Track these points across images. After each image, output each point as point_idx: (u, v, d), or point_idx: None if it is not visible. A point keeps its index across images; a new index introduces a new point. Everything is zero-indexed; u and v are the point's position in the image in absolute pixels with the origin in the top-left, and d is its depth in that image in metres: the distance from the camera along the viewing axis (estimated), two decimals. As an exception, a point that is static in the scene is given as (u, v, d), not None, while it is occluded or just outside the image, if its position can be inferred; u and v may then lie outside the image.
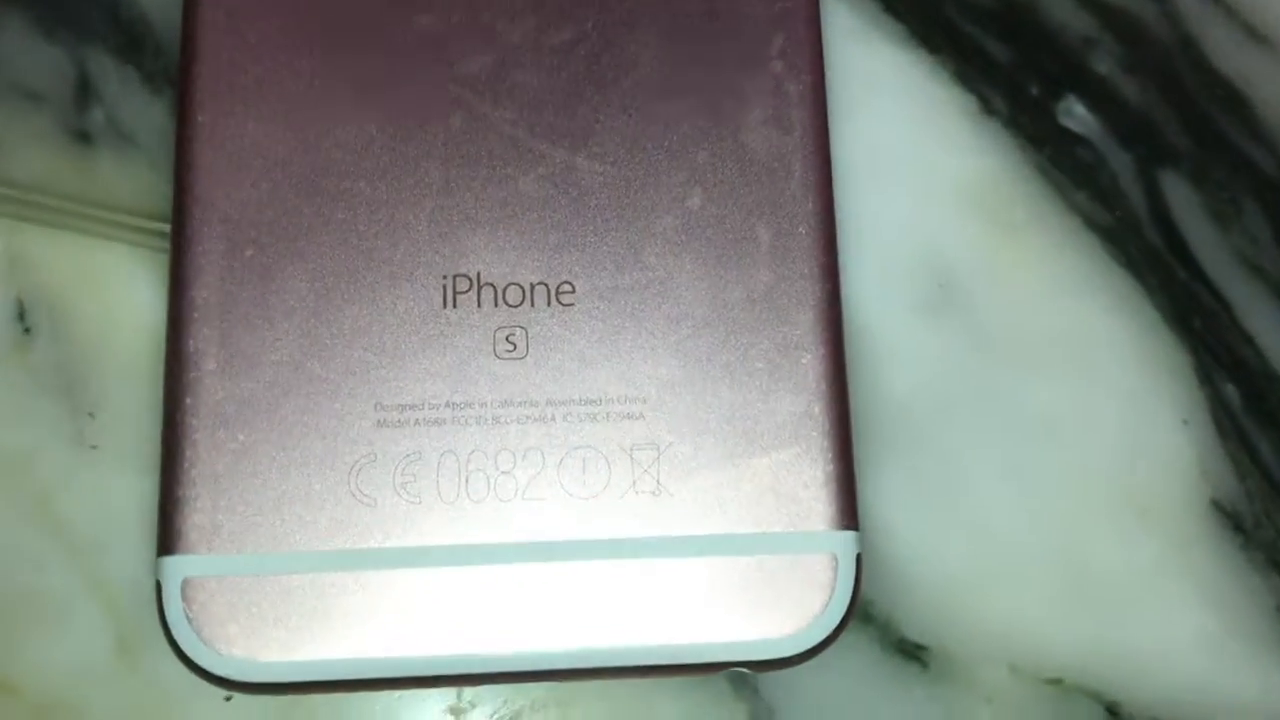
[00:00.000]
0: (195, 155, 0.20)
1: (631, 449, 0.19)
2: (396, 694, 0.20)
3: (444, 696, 0.21)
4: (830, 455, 0.19)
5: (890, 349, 0.22)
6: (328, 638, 0.18)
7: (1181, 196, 0.23)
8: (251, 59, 0.20)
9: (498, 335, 0.19)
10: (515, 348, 0.19)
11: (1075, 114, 0.23)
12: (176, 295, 0.19)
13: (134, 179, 0.22)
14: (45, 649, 0.20)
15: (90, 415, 0.21)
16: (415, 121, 0.20)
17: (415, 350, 0.19)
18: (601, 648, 0.18)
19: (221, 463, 0.19)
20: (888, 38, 0.23)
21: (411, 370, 0.19)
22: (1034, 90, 0.23)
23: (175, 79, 0.22)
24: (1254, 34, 0.24)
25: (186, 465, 0.19)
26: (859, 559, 0.19)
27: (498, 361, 0.19)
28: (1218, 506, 0.22)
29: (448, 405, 0.19)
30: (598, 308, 0.20)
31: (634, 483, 0.19)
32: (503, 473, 0.19)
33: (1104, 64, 0.24)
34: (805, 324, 0.20)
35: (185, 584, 0.18)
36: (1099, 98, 0.23)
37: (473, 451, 0.19)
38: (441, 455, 0.19)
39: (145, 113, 0.22)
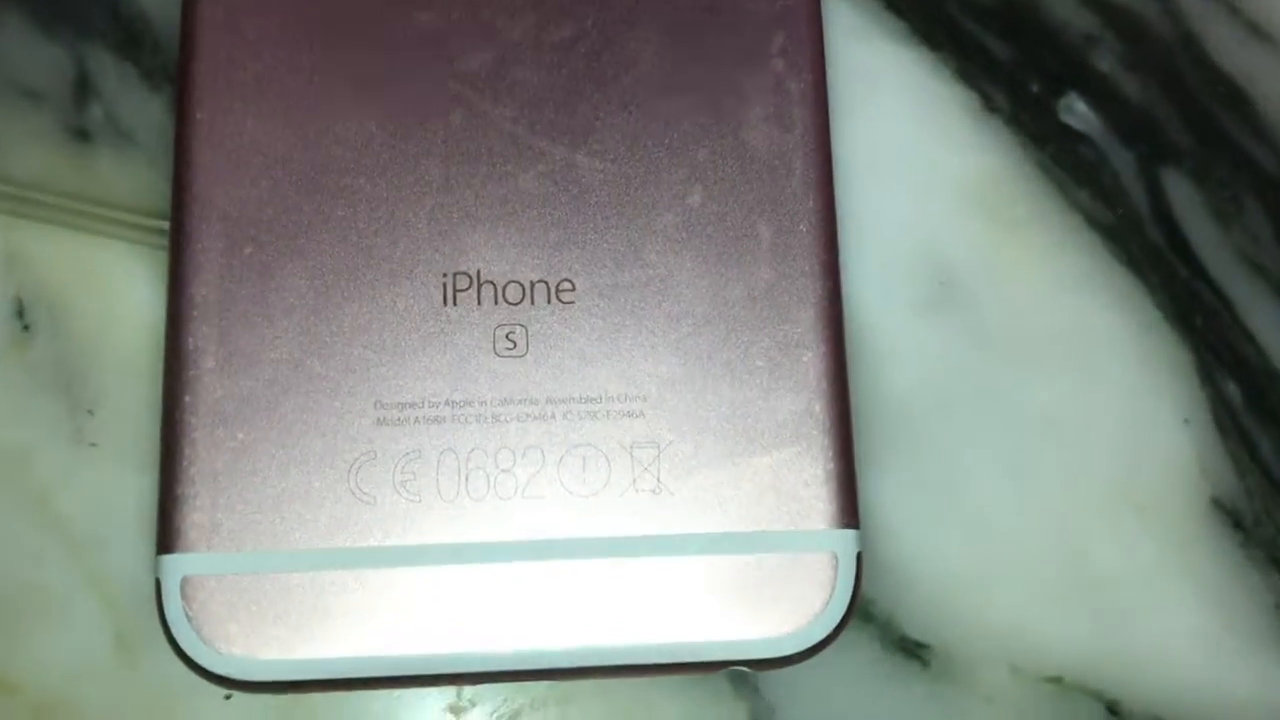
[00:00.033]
0: (194, 152, 0.20)
1: (631, 447, 0.19)
2: (396, 692, 0.20)
3: (444, 694, 0.21)
4: (830, 453, 0.19)
5: (891, 347, 0.22)
6: (327, 636, 0.18)
7: (1183, 194, 0.23)
8: (251, 56, 0.20)
9: (498, 333, 0.19)
10: (515, 345, 0.19)
11: (1077, 111, 0.23)
12: (175, 293, 0.19)
13: (133, 176, 0.22)
14: (44, 647, 0.20)
15: (89, 413, 0.21)
16: (415, 119, 0.20)
17: (415, 348, 0.19)
18: (601, 646, 0.18)
19: (221, 461, 0.19)
20: (889, 35, 0.23)
21: (411, 368, 0.19)
22: (1035, 88, 0.23)
23: (174, 76, 0.22)
24: (1256, 31, 0.24)
25: (186, 463, 0.19)
26: (859, 557, 0.19)
27: (497, 359, 0.19)
28: (1218, 505, 0.22)
29: (447, 403, 0.19)
30: (598, 305, 0.19)
31: (634, 481, 0.19)
32: (503, 471, 0.19)
33: (1105, 61, 0.24)
34: (806, 322, 0.20)
35: (185, 582, 0.18)
36: (1100, 95, 0.23)
37: (472, 449, 0.19)
38: (441, 453, 0.19)
39: (144, 110, 0.22)
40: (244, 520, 0.18)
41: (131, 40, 0.23)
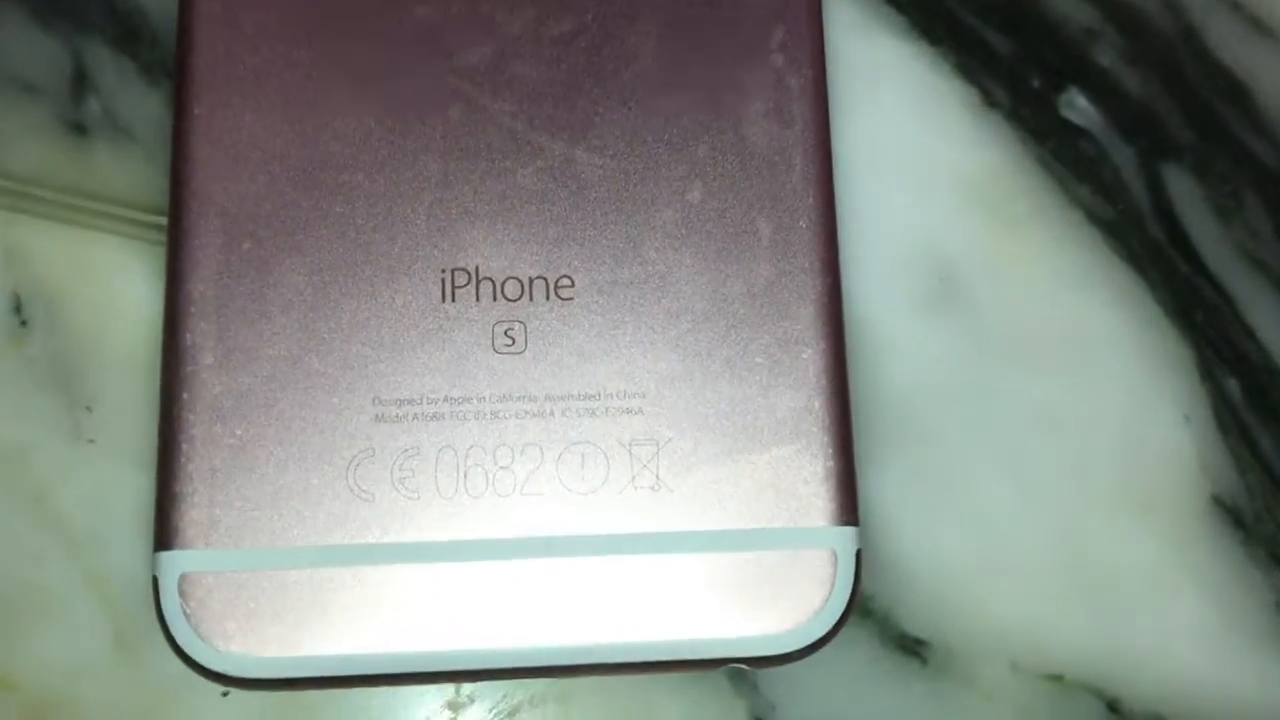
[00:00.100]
0: (192, 148, 0.20)
1: (630, 444, 0.19)
2: (394, 689, 0.20)
3: (442, 691, 0.21)
4: (830, 450, 0.19)
5: (891, 343, 0.22)
6: (325, 633, 0.18)
7: (1184, 190, 0.23)
8: (249, 50, 0.20)
9: (496, 329, 0.19)
10: (514, 342, 0.19)
11: (1077, 106, 0.23)
12: (173, 289, 0.19)
13: (130, 172, 0.22)
14: (43, 644, 0.20)
15: (87, 409, 0.21)
16: (413, 114, 0.20)
17: (413, 345, 0.19)
18: (600, 643, 0.18)
19: (219, 457, 0.19)
20: (889, 30, 0.23)
21: (410, 365, 0.19)
22: (1036, 83, 0.23)
23: (172, 71, 0.22)
24: (1257, 26, 0.24)
25: (184, 460, 0.19)
26: (859, 555, 0.19)
27: (496, 356, 0.19)
28: (1218, 502, 0.22)
29: (446, 400, 0.19)
30: (597, 302, 0.19)
31: (633, 478, 0.19)
32: (501, 468, 0.19)
33: (1106, 56, 0.23)
34: (805, 318, 0.20)
35: (182, 579, 0.18)
36: (1101, 90, 0.23)
37: (471, 447, 0.19)
38: (440, 450, 0.19)
39: (142, 104, 0.22)
40: (242, 517, 0.18)
41: (129, 34, 0.22)
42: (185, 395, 0.19)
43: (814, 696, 0.21)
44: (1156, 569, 0.21)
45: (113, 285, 0.21)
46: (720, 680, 0.21)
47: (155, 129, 0.22)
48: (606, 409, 0.19)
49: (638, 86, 0.20)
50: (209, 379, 0.19)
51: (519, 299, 0.19)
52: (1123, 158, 0.23)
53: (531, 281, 0.20)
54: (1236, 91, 0.23)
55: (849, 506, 0.19)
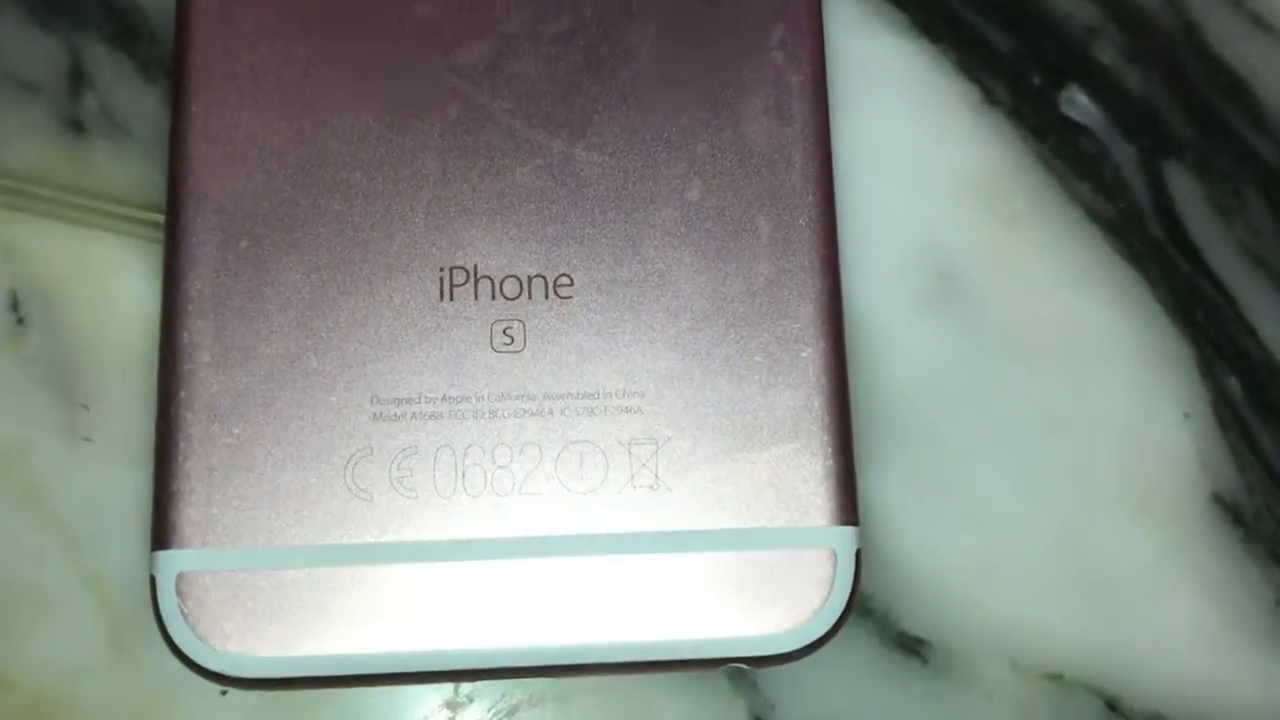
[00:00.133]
0: (189, 145, 0.20)
1: (630, 443, 0.19)
2: (393, 688, 0.20)
3: (441, 690, 0.21)
4: (830, 450, 0.19)
5: (891, 342, 0.22)
6: (323, 633, 0.18)
7: (1185, 188, 0.23)
8: (246, 47, 0.20)
9: (495, 328, 0.19)
10: (512, 341, 0.19)
11: (1078, 104, 0.23)
12: (171, 287, 0.19)
13: (128, 169, 0.22)
14: (40, 643, 0.20)
15: (84, 407, 0.21)
16: (412, 111, 0.20)
17: (411, 343, 0.19)
18: (599, 643, 0.18)
19: (216, 456, 0.19)
20: (889, 27, 0.23)
21: (408, 363, 0.19)
22: (1036, 80, 0.23)
23: (170, 68, 0.22)
24: (1259, 23, 0.24)
25: (181, 459, 0.19)
26: (858, 554, 0.19)
27: (495, 355, 0.19)
28: (1218, 500, 0.22)
29: (444, 399, 0.19)
30: (596, 300, 0.19)
31: (632, 477, 0.19)
32: (500, 467, 0.19)
33: (1107, 53, 0.23)
34: (805, 317, 0.19)
35: (180, 579, 0.18)
36: (1102, 87, 0.23)
37: (469, 446, 0.19)
38: (438, 449, 0.19)
39: (139, 102, 0.22)
40: (239, 516, 0.18)
41: (127, 31, 0.22)
42: (183, 394, 0.19)
43: (814, 696, 0.21)
44: (1156, 567, 0.21)
45: (110, 283, 0.21)
46: (719, 680, 0.21)
47: (153, 126, 0.22)
48: (605, 408, 0.19)
49: (637, 84, 0.20)
50: (206, 377, 0.19)
51: (518, 297, 0.19)
52: (1123, 155, 0.23)
53: (530, 280, 0.19)
54: (1237, 89, 0.23)
55: (849, 506, 0.19)
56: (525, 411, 0.19)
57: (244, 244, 0.19)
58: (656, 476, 0.19)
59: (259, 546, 0.18)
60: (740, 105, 0.20)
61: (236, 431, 0.19)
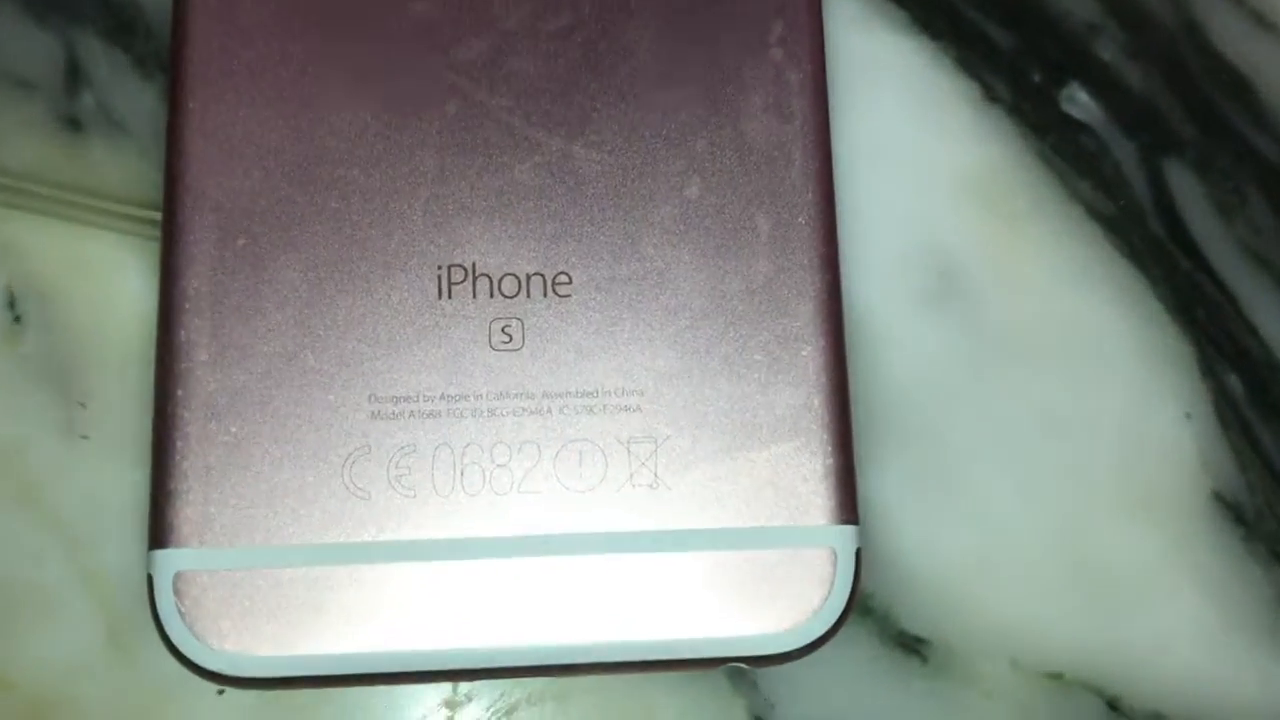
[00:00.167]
0: (187, 143, 0.20)
1: (629, 442, 0.19)
2: (391, 688, 0.20)
3: (439, 690, 0.20)
4: (830, 448, 0.19)
5: (890, 340, 0.22)
6: (321, 632, 0.18)
7: (1185, 186, 0.23)
8: (244, 44, 0.20)
9: (493, 326, 0.19)
10: (511, 339, 0.19)
11: (1078, 101, 0.23)
12: (168, 285, 0.19)
13: (125, 167, 0.22)
14: (37, 643, 0.20)
15: (81, 405, 0.21)
16: (410, 109, 0.20)
17: (410, 342, 0.19)
18: (599, 642, 0.18)
19: (213, 455, 0.18)
20: (889, 24, 0.23)
21: (406, 362, 0.19)
22: (1037, 77, 0.23)
23: (166, 64, 0.22)
24: (1260, 20, 0.24)
25: (178, 458, 0.18)
26: (858, 553, 0.19)
27: (493, 353, 0.19)
28: (1219, 498, 0.22)
29: (443, 397, 0.19)
30: (595, 299, 0.19)
31: (631, 476, 0.19)
32: (498, 466, 0.19)
33: (1108, 50, 0.23)
34: (805, 315, 0.19)
35: (177, 578, 0.18)
36: (1103, 85, 0.23)
37: (468, 444, 0.19)
38: (436, 448, 0.19)
39: (136, 99, 0.22)
40: (237, 515, 0.18)
41: (123, 27, 0.22)
42: (180, 392, 0.19)
43: (813, 695, 0.21)
44: (1157, 566, 0.21)
45: (107, 281, 0.21)
46: (719, 679, 0.21)
47: (150, 123, 0.22)
48: (604, 406, 0.19)
49: (635, 81, 0.20)
50: (204, 376, 0.19)
51: (516, 295, 0.19)
52: (1124, 153, 0.23)
53: (529, 278, 0.19)
54: (1239, 86, 0.23)
55: (848, 504, 0.19)
56: (524, 410, 0.19)
57: (241, 242, 0.19)
58: (656, 475, 0.19)
59: (256, 545, 0.18)
60: (739, 103, 0.20)
61: (234, 430, 0.19)
